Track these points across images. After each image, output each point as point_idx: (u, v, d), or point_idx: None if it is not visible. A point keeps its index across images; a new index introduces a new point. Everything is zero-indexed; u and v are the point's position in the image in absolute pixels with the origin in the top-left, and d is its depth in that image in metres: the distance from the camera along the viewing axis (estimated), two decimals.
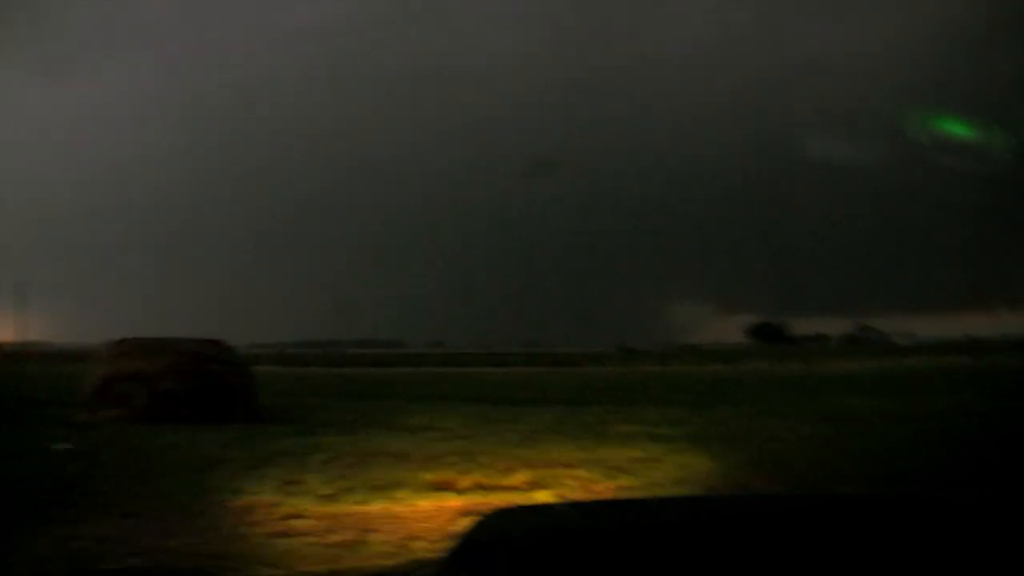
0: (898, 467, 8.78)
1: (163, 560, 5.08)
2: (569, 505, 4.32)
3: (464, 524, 1.53)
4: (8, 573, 4.87)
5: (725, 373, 38.86)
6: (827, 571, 1.57)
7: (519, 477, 8.13)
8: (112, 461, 9.14)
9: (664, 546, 1.67)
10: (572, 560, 1.62)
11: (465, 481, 7.89)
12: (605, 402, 19.42)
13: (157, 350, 14.65)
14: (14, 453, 9.34)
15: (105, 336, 16.89)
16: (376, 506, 6.78)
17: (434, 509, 6.69)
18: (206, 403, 13.69)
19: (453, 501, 7.02)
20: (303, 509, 6.58)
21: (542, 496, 7.31)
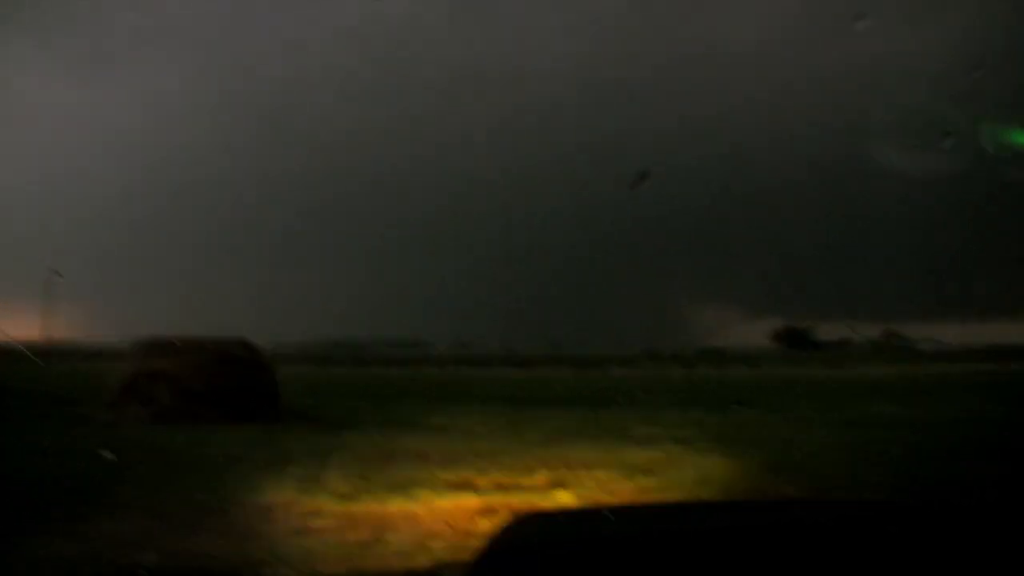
0: (919, 474, 8.65)
1: (184, 559, 5.12)
2: (592, 509, 4.30)
3: (483, 524, 1.51)
4: (33, 572, 4.92)
5: (749, 377, 38.53)
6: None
7: (539, 477, 8.12)
8: (136, 460, 9.24)
9: (690, 552, 1.66)
10: (597, 566, 1.61)
11: (484, 481, 7.88)
12: (628, 404, 19.35)
13: (182, 350, 14.82)
14: (40, 451, 9.46)
15: (132, 335, 17.09)
16: (395, 505, 6.79)
17: (453, 508, 6.69)
18: (230, 403, 13.81)
19: (472, 501, 7.01)
20: (323, 508, 6.60)
21: (562, 496, 7.28)
